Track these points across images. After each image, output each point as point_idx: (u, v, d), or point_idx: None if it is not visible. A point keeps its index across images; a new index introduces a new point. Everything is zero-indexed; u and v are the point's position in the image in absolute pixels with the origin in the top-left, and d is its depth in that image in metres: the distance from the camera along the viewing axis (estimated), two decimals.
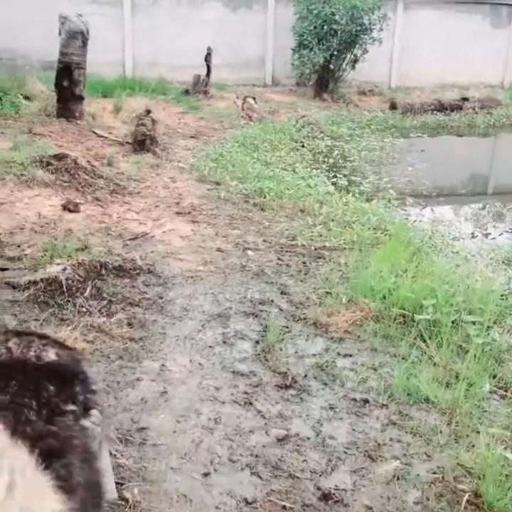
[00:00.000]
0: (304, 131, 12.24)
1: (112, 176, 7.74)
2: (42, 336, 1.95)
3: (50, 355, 1.87)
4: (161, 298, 4.90)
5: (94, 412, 1.82)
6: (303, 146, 11.24)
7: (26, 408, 1.60)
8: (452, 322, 4.47)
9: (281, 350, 4.29)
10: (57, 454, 1.51)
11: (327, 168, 10.04)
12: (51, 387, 1.70)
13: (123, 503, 2.75)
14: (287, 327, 4.61)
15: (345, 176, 9.42)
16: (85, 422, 1.75)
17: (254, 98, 13.90)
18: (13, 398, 1.66)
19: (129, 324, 4.39)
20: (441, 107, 17.01)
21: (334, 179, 9.02)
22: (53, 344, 1.93)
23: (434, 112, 16.67)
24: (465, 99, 17.40)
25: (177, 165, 9.24)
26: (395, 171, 10.87)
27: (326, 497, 2.91)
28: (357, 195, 8.04)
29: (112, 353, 3.98)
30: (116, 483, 2.83)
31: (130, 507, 2.67)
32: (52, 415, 1.63)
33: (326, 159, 10.58)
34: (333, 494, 2.93)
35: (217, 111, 13.69)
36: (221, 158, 9.41)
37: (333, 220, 6.90)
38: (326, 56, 16.13)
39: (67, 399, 1.74)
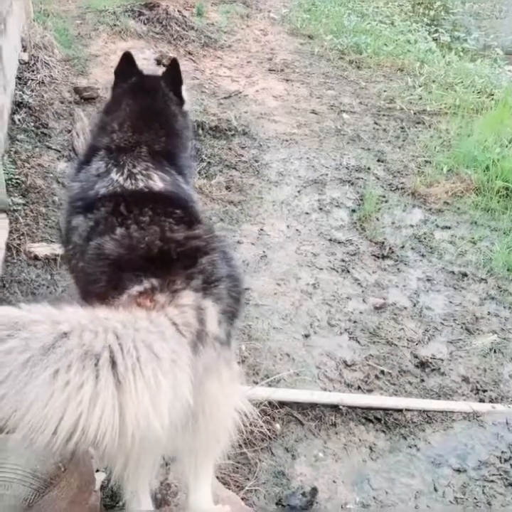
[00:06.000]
0: None
1: (202, 27, 7.47)
2: None
3: (159, 183, 2.02)
4: (256, 161, 4.90)
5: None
6: None
7: (167, 222, 1.78)
8: None
9: (377, 219, 4.29)
10: (203, 252, 1.69)
11: (428, 21, 9.27)
12: (177, 210, 1.87)
13: None
14: (384, 196, 4.57)
15: (447, 31, 8.74)
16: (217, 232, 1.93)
17: None
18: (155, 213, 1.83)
19: (228, 187, 4.46)
20: None
21: (435, 34, 8.38)
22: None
23: None
24: None
25: (268, 15, 8.78)
26: (502, 27, 9.93)
27: (423, 365, 3.04)
28: (461, 53, 7.47)
29: (213, 215, 4.09)
30: None
31: (239, 362, 2.88)
32: (190, 226, 1.80)
33: (426, 11, 9.76)
34: (430, 363, 3.05)
35: None
36: (314, 9, 8.86)
37: (434, 82, 6.51)
38: None
39: (195, 219, 1.92)
